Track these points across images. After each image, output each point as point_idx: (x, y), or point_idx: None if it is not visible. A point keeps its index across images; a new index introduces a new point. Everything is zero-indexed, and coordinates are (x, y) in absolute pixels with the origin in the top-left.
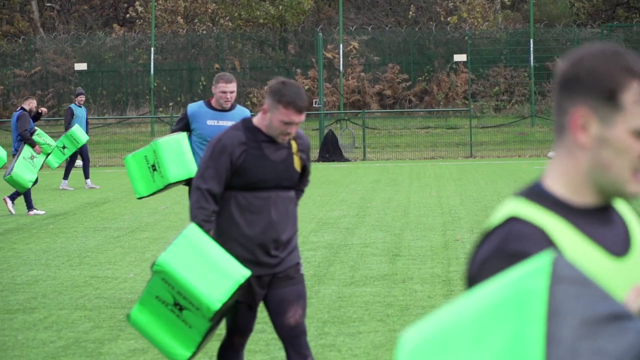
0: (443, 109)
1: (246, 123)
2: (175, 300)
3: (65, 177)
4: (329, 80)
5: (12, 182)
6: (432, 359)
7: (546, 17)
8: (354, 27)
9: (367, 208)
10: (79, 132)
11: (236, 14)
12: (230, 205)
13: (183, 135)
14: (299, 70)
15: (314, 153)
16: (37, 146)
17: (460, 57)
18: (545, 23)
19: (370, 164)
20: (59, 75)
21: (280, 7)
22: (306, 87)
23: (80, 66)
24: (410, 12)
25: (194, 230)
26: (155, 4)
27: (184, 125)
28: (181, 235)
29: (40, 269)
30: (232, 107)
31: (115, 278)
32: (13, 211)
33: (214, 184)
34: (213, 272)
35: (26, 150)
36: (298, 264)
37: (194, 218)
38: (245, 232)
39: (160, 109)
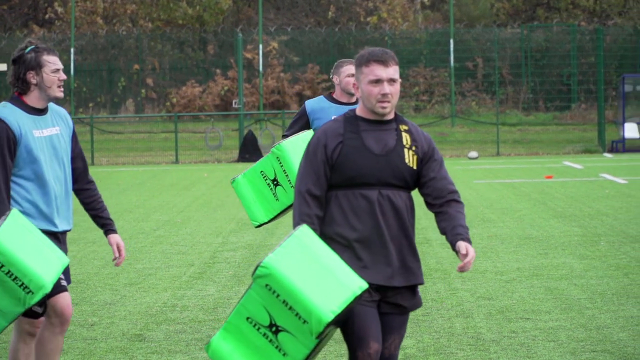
0: None
1: (348, 113)
2: (271, 321)
3: None
4: (249, 81)
5: None
6: None
7: (466, 18)
8: (273, 28)
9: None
10: None
11: (155, 15)
12: (331, 206)
13: (309, 132)
14: (218, 71)
15: (233, 153)
16: None
17: None
18: (466, 23)
19: None
20: None
21: (198, 7)
22: (226, 87)
23: (0, 67)
24: (330, 13)
25: (306, 231)
26: (75, 4)
27: (303, 124)
28: (292, 236)
29: None
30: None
31: None
32: None
33: (312, 184)
34: (327, 279)
35: None
36: (416, 287)
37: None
38: (348, 236)
39: (81, 110)
